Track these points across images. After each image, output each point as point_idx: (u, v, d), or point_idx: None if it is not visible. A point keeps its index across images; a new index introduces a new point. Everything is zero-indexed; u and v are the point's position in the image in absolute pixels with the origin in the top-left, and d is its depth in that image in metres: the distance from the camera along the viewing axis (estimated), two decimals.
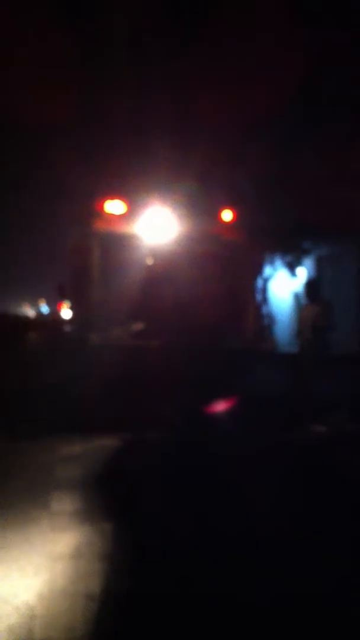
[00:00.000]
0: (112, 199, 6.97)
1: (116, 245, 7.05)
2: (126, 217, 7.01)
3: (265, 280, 9.67)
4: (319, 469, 4.81)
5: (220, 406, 6.24)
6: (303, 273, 10.67)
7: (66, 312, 10.65)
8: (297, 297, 10.67)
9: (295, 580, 2.85)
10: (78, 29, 9.42)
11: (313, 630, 2.48)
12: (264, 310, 8.37)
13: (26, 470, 4.63)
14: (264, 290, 8.98)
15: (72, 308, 8.46)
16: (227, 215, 7.42)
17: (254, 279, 8.06)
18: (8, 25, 8.81)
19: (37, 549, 3.18)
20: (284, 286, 10.65)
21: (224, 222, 7.44)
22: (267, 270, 10.06)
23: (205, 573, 2.94)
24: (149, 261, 7.37)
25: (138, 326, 7.10)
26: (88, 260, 6.99)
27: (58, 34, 9.10)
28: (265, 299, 8.80)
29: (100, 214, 6.96)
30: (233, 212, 7.46)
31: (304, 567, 3.00)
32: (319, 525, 3.57)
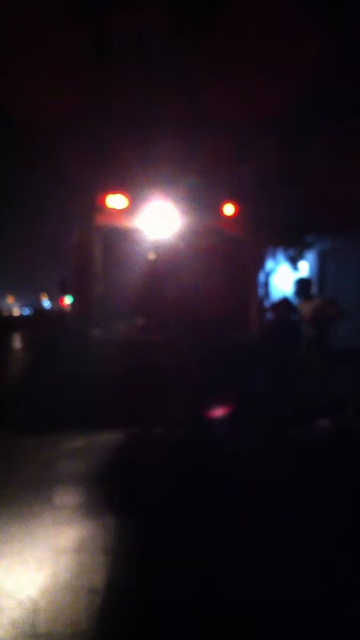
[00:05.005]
0: (114, 193, 6.94)
1: (118, 239, 7.03)
2: (128, 211, 6.98)
3: (268, 275, 9.64)
4: (321, 467, 4.77)
5: (223, 401, 6.22)
6: (305, 267, 10.64)
7: (63, 306, 10.60)
8: None
9: (296, 580, 2.83)
10: (82, 25, 9.38)
11: (313, 630, 2.47)
12: (266, 304, 8.32)
13: (29, 465, 4.61)
14: (266, 284, 8.95)
15: (74, 303, 8.44)
16: (229, 209, 7.37)
17: (256, 273, 8.00)
18: (13, 21, 8.79)
19: (40, 543, 3.17)
20: (286, 280, 10.62)
21: (226, 216, 7.40)
22: (270, 264, 10.03)
23: (207, 569, 2.93)
24: (151, 255, 7.34)
25: (140, 321, 7.08)
26: (90, 254, 6.96)
27: (61, 30, 9.07)
28: (267, 294, 8.76)
29: (102, 208, 6.93)
30: (235, 207, 7.41)
31: (305, 567, 2.97)
32: (320, 524, 3.52)
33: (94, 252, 6.94)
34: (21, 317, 36.68)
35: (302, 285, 6.85)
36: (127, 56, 9.64)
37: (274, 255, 10.25)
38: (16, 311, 42.98)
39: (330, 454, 5.08)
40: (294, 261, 10.58)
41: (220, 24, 9.11)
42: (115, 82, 9.70)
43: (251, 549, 3.13)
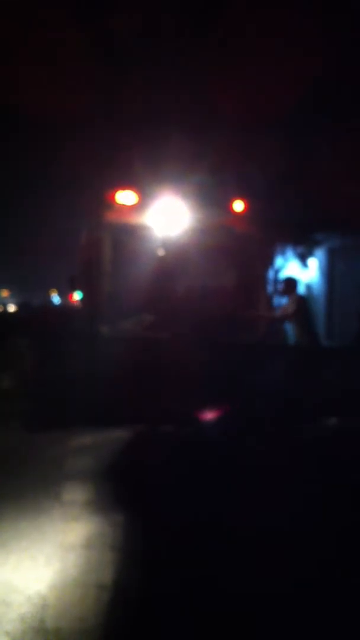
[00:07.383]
0: (123, 189, 6.97)
1: (127, 236, 7.07)
2: (137, 207, 7.01)
3: (277, 272, 9.65)
4: (321, 467, 4.80)
5: (225, 401, 6.24)
6: (314, 265, 10.63)
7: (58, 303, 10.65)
8: (308, 288, 10.64)
9: (296, 580, 2.87)
10: (90, 24, 9.39)
11: (314, 630, 2.52)
12: (275, 302, 8.35)
13: (38, 462, 4.68)
14: (275, 281, 8.96)
15: (83, 299, 8.50)
16: (238, 206, 7.39)
17: (265, 270, 8.03)
18: (23, 20, 8.82)
19: (49, 539, 3.23)
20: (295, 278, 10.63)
21: (236, 213, 7.41)
22: (279, 261, 10.04)
23: (213, 567, 2.98)
24: (160, 252, 7.39)
25: (149, 318, 7.12)
26: (99, 251, 7.01)
27: (70, 29, 9.08)
28: (276, 291, 8.79)
29: (111, 204, 6.96)
30: (244, 203, 7.42)
31: (305, 567, 3.01)
32: (320, 524, 3.55)
33: (103, 249, 6.99)
34: (21, 312, 35.09)
35: (289, 284, 7.00)
36: (136, 53, 9.65)
37: (283, 253, 10.27)
38: (11, 307, 39.80)
39: (330, 454, 5.10)
40: (303, 259, 10.59)
41: (230, 20, 9.08)
42: (124, 79, 9.71)
43: (251, 549, 3.18)
